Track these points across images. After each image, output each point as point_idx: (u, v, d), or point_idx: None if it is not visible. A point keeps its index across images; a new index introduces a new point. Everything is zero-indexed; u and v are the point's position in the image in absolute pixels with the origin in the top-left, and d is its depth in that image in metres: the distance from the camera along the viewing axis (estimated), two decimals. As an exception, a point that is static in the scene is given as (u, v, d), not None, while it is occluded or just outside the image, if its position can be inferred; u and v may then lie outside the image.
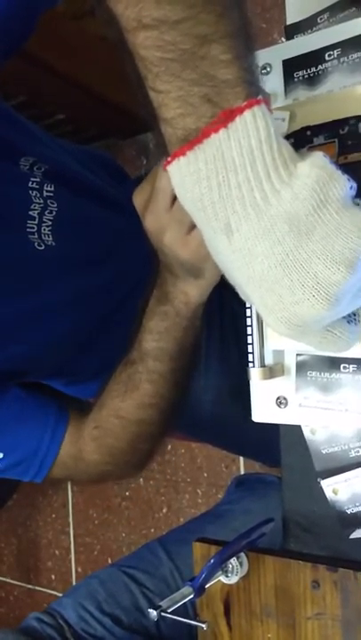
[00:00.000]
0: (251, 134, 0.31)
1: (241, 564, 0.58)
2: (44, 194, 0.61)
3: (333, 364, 0.48)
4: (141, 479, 1.59)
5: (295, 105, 0.48)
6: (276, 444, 0.58)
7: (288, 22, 0.64)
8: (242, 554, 0.57)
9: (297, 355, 0.49)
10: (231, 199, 0.32)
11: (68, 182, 0.65)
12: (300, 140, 0.47)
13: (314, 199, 0.32)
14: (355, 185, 0.34)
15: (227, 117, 0.31)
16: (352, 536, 0.53)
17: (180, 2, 0.31)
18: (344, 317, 0.37)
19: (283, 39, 1.29)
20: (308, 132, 0.47)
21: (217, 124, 0.31)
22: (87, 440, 0.63)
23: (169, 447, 1.51)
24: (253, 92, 0.32)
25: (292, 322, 0.34)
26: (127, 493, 1.62)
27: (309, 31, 0.62)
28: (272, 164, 0.32)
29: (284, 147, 0.33)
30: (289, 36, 0.63)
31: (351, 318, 0.38)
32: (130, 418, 0.61)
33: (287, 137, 0.48)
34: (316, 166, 0.32)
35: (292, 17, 0.64)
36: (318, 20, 0.61)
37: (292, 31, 0.63)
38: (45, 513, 1.77)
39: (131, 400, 0.60)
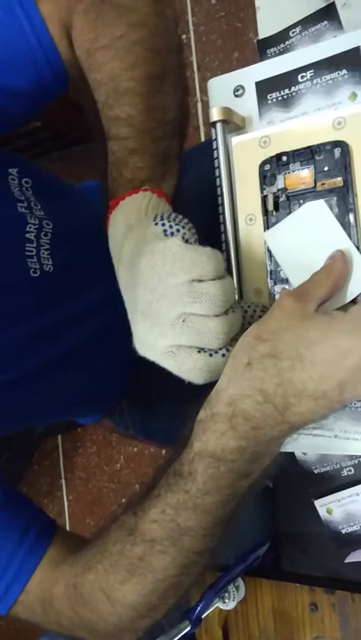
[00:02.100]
0: (128, 206, 0.48)
1: (237, 588, 0.57)
2: (36, 213, 0.60)
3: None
4: (137, 485, 1.59)
5: (270, 129, 0.47)
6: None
7: (260, 36, 0.63)
8: (238, 578, 0.57)
9: None
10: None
11: (54, 196, 0.64)
12: (277, 166, 0.46)
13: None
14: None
15: (116, 200, 0.49)
16: (347, 560, 0.53)
17: (131, 127, 0.50)
18: (196, 347, 0.42)
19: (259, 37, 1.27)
20: (284, 158, 0.46)
21: (116, 201, 0.49)
22: (61, 591, 0.49)
23: (163, 452, 1.51)
24: (140, 186, 0.48)
25: (135, 337, 0.45)
26: (123, 500, 1.62)
27: (282, 45, 0.61)
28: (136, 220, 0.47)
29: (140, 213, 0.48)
30: (261, 51, 0.62)
31: (206, 350, 0.42)
32: (124, 602, 0.46)
33: (263, 163, 0.47)
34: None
35: (264, 31, 0.63)
36: (290, 34, 0.61)
37: (264, 46, 0.62)
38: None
39: (133, 586, 0.45)
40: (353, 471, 0.54)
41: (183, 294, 0.42)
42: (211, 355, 0.42)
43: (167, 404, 0.79)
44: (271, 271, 0.47)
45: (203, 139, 1.41)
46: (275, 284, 0.47)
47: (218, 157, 0.49)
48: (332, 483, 0.56)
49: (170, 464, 0.44)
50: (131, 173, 0.50)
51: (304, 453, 0.57)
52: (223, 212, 0.49)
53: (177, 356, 0.43)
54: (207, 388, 0.47)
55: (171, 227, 0.44)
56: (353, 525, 0.54)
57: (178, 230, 0.44)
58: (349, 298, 0.42)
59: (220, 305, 0.41)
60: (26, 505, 0.55)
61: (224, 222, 0.49)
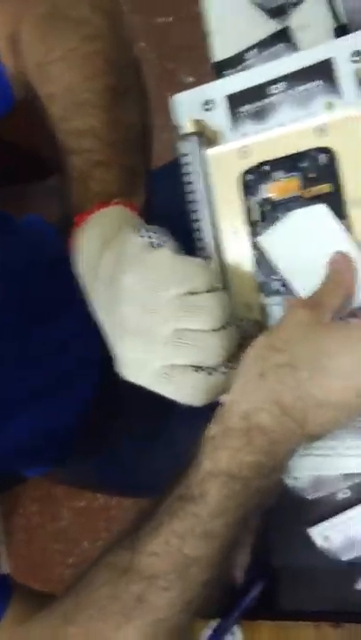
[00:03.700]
0: (101, 220, 0.46)
1: (233, 634, 0.53)
2: None
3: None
4: (86, 542, 1.49)
5: (248, 139, 0.46)
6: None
7: (215, 59, 0.63)
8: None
9: None
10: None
11: None
12: (260, 176, 0.45)
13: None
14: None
15: (83, 215, 0.46)
16: (358, 587, 0.50)
17: (94, 139, 0.48)
18: (192, 366, 0.39)
19: (192, 78, 1.29)
20: (267, 167, 0.45)
21: (83, 216, 0.46)
22: None
23: (113, 502, 1.43)
24: (109, 200, 0.46)
25: (120, 360, 0.41)
26: (71, 560, 1.51)
27: (239, 67, 0.62)
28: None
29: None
30: (218, 73, 0.62)
31: (203, 369, 0.39)
32: None
33: (245, 173, 0.45)
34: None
35: (218, 55, 0.63)
36: (246, 57, 0.61)
37: (220, 68, 0.62)
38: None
39: (131, 631, 0.39)
40: (349, 493, 0.52)
41: (177, 308, 0.39)
42: (210, 373, 0.39)
43: (131, 447, 0.74)
44: (261, 283, 0.45)
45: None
46: (266, 296, 0.44)
47: (192, 172, 0.47)
48: (328, 508, 0.53)
49: (166, 495, 0.40)
50: (99, 186, 0.47)
51: (295, 478, 0.54)
52: (203, 228, 0.47)
53: (173, 378, 0.39)
54: (177, 425, 0.44)
55: (158, 237, 0.41)
56: (354, 551, 0.51)
57: (164, 242, 0.41)
58: (356, 303, 0.40)
59: (217, 318, 0.39)
60: None
61: (206, 238, 0.46)
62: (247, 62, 0.61)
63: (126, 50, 0.52)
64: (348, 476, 0.51)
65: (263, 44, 0.60)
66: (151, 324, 0.39)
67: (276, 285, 0.44)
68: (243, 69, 0.61)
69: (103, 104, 0.48)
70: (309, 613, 0.52)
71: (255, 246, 0.45)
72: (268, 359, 0.38)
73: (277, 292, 0.44)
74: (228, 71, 0.61)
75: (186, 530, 0.37)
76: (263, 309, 0.45)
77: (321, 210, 0.42)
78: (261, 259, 0.45)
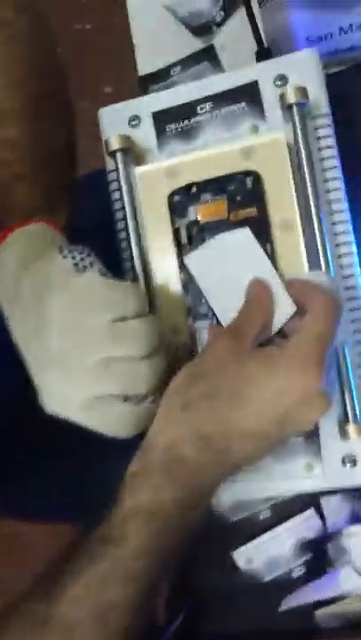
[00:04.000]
0: (21, 239, 0.43)
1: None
2: None
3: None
4: (4, 573, 1.41)
5: (176, 159, 0.45)
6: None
7: (140, 73, 0.62)
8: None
9: None
10: None
11: None
12: (187, 197, 0.44)
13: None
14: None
15: (3, 233, 0.43)
16: (281, 608, 0.50)
17: (15, 150, 0.44)
18: (119, 396, 0.37)
19: (110, 87, 1.27)
20: (195, 189, 0.44)
21: (2, 233, 0.43)
22: None
23: (38, 530, 1.36)
24: (29, 217, 0.43)
25: (44, 391, 0.38)
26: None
27: (162, 82, 0.61)
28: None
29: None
30: (144, 88, 0.61)
31: (131, 398, 0.38)
32: None
33: (172, 194, 0.44)
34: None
35: (144, 69, 0.62)
36: (171, 73, 0.60)
37: (145, 82, 0.61)
38: None
39: None
40: (269, 513, 0.52)
41: (105, 336, 0.37)
42: (137, 404, 0.38)
43: (60, 481, 0.71)
44: (190, 307, 0.44)
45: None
46: (194, 320, 0.44)
47: (120, 189, 0.46)
48: (250, 530, 0.53)
49: (88, 536, 0.37)
50: (19, 201, 0.45)
51: (217, 503, 0.53)
52: (130, 249, 0.45)
53: (99, 410, 0.37)
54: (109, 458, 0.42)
55: (82, 259, 0.39)
56: (276, 571, 0.52)
57: (91, 264, 0.39)
58: (275, 329, 0.40)
59: (147, 345, 0.37)
60: None
61: (133, 258, 0.45)
62: (172, 78, 0.60)
63: (51, 56, 0.50)
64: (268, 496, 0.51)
65: (188, 61, 0.60)
66: (77, 354, 0.37)
67: (204, 309, 0.43)
68: (167, 84, 0.60)
69: (26, 113, 0.46)
70: (234, 638, 0.51)
71: (184, 269, 0.44)
72: (189, 389, 0.37)
73: (206, 316, 0.43)
74: (153, 86, 0.61)
75: (106, 574, 0.35)
76: (192, 333, 0.44)
77: (244, 234, 0.42)
78: (190, 282, 0.44)
